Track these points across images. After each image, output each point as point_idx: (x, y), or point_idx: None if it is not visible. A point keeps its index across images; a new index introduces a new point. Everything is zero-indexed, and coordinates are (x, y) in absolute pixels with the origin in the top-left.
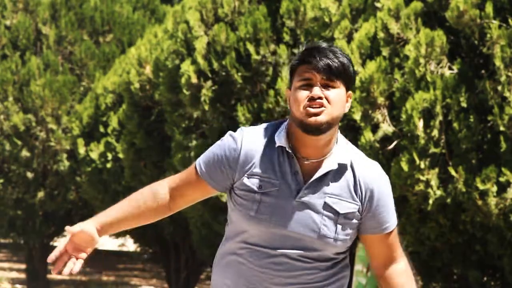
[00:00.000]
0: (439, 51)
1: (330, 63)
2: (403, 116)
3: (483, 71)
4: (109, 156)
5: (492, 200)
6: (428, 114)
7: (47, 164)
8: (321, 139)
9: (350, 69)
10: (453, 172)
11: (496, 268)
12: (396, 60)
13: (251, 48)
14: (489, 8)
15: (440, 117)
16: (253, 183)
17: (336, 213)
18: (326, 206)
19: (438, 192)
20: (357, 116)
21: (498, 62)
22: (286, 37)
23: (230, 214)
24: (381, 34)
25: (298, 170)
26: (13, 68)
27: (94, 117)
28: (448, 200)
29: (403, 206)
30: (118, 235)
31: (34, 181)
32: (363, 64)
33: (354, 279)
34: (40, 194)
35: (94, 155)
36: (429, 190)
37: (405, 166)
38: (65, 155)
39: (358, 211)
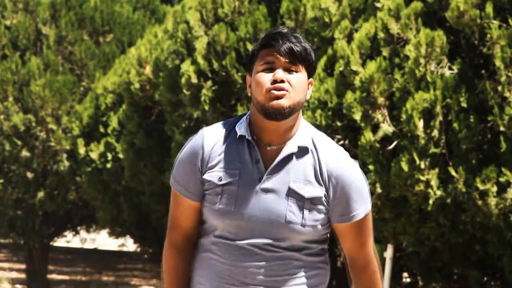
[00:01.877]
0: (439, 51)
1: (293, 46)
2: (403, 116)
3: (483, 71)
4: (109, 156)
5: (492, 200)
6: (428, 114)
7: (47, 164)
8: (282, 125)
9: (312, 55)
10: (453, 172)
11: (496, 268)
12: (396, 60)
13: (251, 48)
14: (489, 8)
15: (440, 117)
16: (213, 176)
17: (301, 198)
18: (291, 191)
19: (438, 192)
20: (357, 116)
21: (498, 62)
22: None
23: (203, 212)
24: (381, 34)
25: (260, 157)
26: (13, 68)
27: (94, 117)
28: (448, 200)
29: (403, 206)
30: (118, 235)
31: (34, 181)
32: (363, 64)
33: None
34: (40, 194)
35: (94, 155)
36: (429, 190)
37: (405, 166)
38: (65, 155)
39: (325, 196)
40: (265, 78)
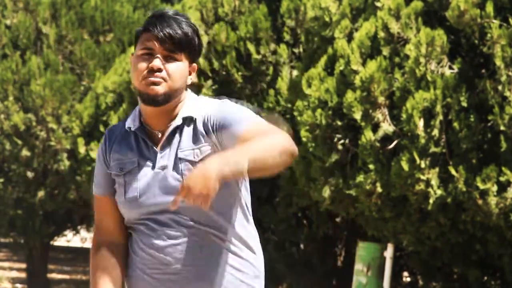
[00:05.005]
0: (439, 50)
1: (172, 33)
2: (404, 116)
3: (483, 71)
4: None
5: (493, 200)
6: (428, 114)
7: (47, 164)
8: (162, 110)
9: (195, 41)
10: (453, 172)
11: (496, 267)
12: (397, 59)
13: (251, 47)
14: (489, 8)
15: (441, 117)
16: (115, 168)
17: (192, 162)
18: (182, 161)
19: (439, 192)
20: (357, 116)
21: (498, 62)
22: (287, 37)
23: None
24: (381, 34)
25: (150, 143)
26: (14, 68)
27: (95, 116)
28: (449, 200)
29: (403, 206)
30: None
31: (34, 181)
32: (364, 64)
33: (355, 279)
34: (41, 193)
35: (94, 154)
36: (430, 189)
37: (405, 166)
38: (65, 155)
39: (213, 146)
40: (142, 65)
